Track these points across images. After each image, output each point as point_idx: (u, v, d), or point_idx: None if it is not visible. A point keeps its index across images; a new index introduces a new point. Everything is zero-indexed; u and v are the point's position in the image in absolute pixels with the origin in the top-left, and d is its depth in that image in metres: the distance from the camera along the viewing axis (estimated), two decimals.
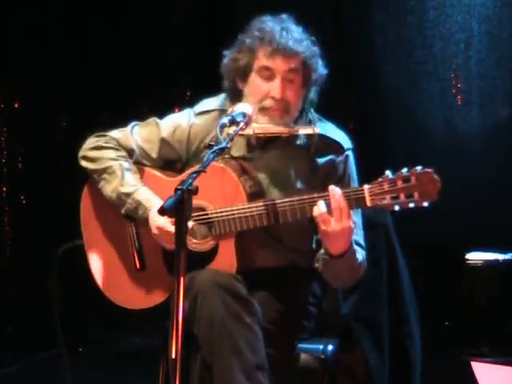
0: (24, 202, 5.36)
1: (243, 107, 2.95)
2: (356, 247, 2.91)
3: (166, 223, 2.92)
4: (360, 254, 2.93)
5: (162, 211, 2.46)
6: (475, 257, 4.61)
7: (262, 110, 2.99)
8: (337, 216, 2.77)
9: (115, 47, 5.29)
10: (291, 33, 2.99)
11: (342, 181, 3.01)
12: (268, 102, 3.00)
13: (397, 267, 3.23)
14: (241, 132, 2.91)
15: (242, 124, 2.89)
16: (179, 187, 2.47)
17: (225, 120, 2.89)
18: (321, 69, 3.06)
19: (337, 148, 3.04)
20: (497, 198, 4.83)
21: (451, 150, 4.98)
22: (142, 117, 3.24)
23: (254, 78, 3.02)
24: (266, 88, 3.00)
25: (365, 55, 5.05)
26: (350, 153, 3.07)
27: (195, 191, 2.49)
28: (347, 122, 5.00)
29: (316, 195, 2.83)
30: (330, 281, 3.02)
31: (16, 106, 5.34)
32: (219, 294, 2.80)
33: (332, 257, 2.86)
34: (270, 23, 3.02)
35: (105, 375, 4.60)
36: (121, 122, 3.24)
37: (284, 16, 3.06)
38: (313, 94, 3.08)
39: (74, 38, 5.24)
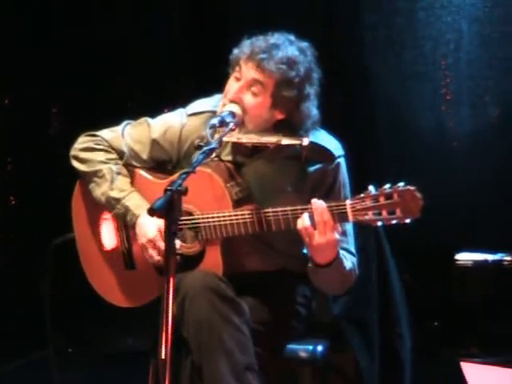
0: (13, 201, 5.35)
1: (232, 107, 2.93)
2: (345, 254, 2.91)
3: (157, 236, 2.92)
4: (349, 261, 2.92)
5: (152, 211, 2.46)
6: (465, 257, 4.61)
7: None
8: (321, 229, 2.76)
9: (112, 43, 5.28)
10: (278, 51, 2.90)
11: (332, 188, 2.98)
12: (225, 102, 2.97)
13: (387, 268, 3.24)
14: (225, 138, 2.88)
15: (231, 124, 2.88)
16: (169, 188, 2.48)
17: (214, 121, 2.88)
18: (305, 109, 2.94)
19: (328, 156, 3.00)
20: (487, 199, 4.83)
21: (441, 151, 4.98)
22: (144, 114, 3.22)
23: (231, 78, 3.00)
24: (229, 88, 2.98)
25: (355, 56, 5.05)
26: (341, 160, 3.03)
27: (185, 192, 2.50)
28: (336, 122, 5.00)
29: (299, 207, 2.81)
30: (322, 289, 3.02)
31: (6, 102, 5.33)
32: (207, 296, 2.80)
33: (318, 266, 2.85)
34: (273, 37, 2.95)
35: (97, 376, 4.59)
36: (117, 120, 3.23)
37: (292, 37, 2.96)
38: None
39: (72, 36, 5.23)
